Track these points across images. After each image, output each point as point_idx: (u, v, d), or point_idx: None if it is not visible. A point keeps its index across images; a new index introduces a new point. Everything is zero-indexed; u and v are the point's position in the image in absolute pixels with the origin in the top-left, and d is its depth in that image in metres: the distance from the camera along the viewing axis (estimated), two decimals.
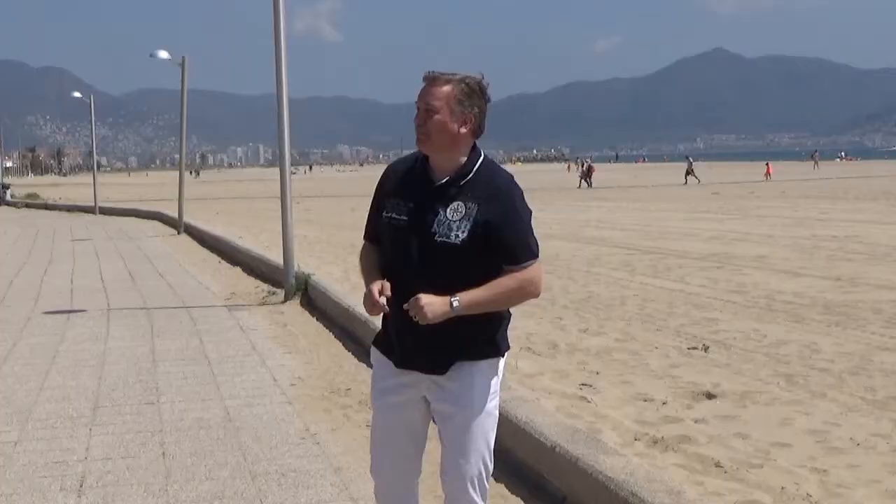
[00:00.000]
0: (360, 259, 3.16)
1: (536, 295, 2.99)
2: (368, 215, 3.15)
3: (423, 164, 3.00)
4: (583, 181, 50.91)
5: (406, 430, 3.10)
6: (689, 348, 7.36)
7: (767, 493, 4.09)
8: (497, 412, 3.07)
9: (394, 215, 2.96)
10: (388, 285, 2.88)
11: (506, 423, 4.90)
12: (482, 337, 2.99)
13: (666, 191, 42.74)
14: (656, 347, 7.44)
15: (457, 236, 2.84)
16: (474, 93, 2.93)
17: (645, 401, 5.76)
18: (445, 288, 2.84)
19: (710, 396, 5.84)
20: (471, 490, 3.03)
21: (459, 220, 2.85)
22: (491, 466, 3.07)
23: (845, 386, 6.08)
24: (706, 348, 7.30)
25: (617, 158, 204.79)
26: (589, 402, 5.70)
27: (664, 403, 5.69)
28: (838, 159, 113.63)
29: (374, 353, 3.16)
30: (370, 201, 3.13)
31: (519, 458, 4.73)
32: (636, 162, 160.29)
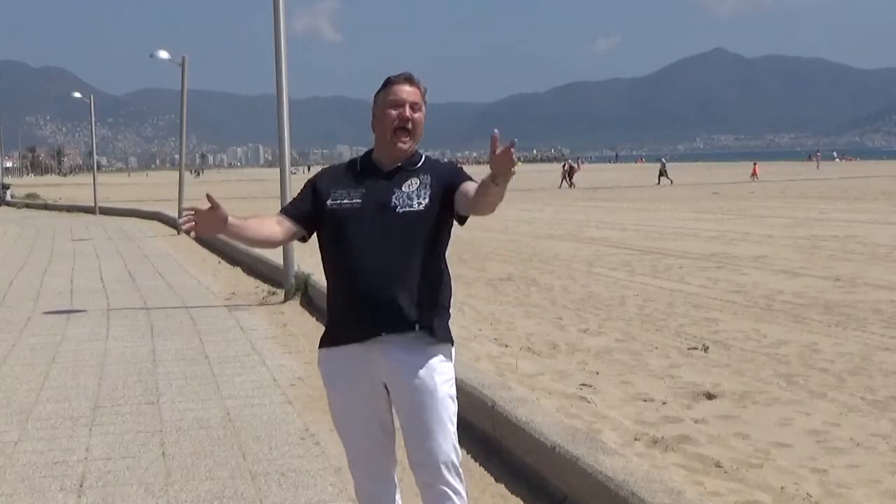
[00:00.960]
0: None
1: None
2: (295, 198, 3.24)
3: (366, 161, 3.19)
4: (564, 181, 50.78)
5: (377, 419, 3.14)
6: (689, 348, 7.36)
7: (767, 493, 4.09)
8: (456, 399, 3.15)
9: (344, 201, 3.10)
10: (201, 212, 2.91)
11: (506, 423, 4.92)
12: (437, 320, 3.11)
13: (665, 191, 42.74)
14: (656, 347, 7.44)
15: (419, 203, 3.06)
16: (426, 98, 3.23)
17: (645, 401, 5.76)
18: (406, 253, 3.02)
19: (710, 396, 5.84)
20: (447, 474, 3.06)
21: (417, 190, 3.08)
22: (460, 450, 3.13)
23: (845, 386, 6.08)
24: (706, 348, 7.30)
25: (617, 158, 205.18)
26: (589, 402, 5.70)
27: (664, 403, 5.69)
28: (837, 159, 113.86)
29: (328, 353, 3.16)
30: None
31: (519, 458, 4.73)
32: (636, 162, 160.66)
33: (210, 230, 2.96)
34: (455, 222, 3.19)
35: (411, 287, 3.03)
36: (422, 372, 3.05)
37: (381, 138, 3.12)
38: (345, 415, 3.19)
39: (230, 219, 2.98)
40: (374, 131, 3.16)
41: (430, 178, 3.11)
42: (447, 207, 3.10)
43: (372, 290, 3.02)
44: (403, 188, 3.08)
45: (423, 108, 3.16)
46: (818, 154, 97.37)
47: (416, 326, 3.04)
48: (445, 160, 3.21)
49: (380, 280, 3.00)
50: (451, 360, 3.16)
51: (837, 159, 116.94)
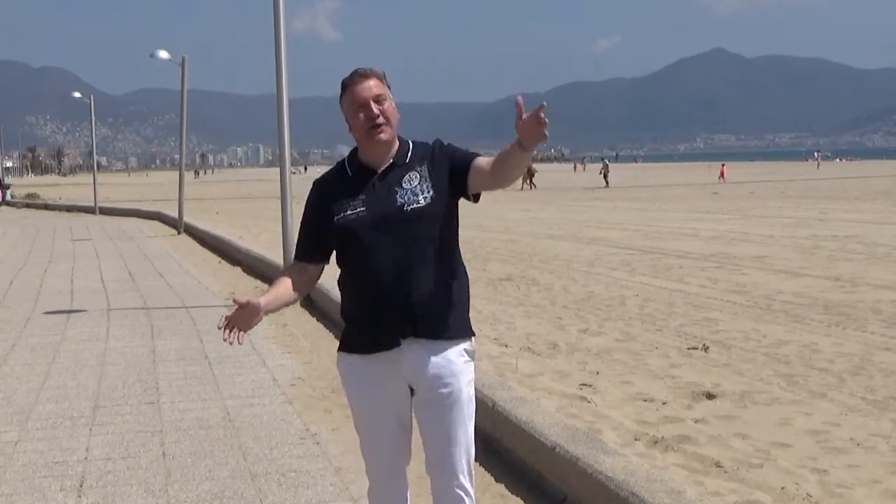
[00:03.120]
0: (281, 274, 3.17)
1: None
2: (301, 231, 3.16)
3: (354, 163, 3.10)
4: (525, 184, 49.94)
5: (396, 418, 3.12)
6: (689, 348, 7.36)
7: (767, 493, 4.09)
8: (474, 399, 3.13)
9: (349, 213, 3.02)
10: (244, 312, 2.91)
11: (506, 423, 4.92)
12: (458, 317, 3.08)
13: (663, 191, 42.75)
14: (656, 347, 7.44)
15: (425, 198, 2.98)
16: (387, 82, 3.10)
17: (645, 401, 5.76)
18: (421, 253, 2.97)
19: (710, 396, 5.84)
20: (462, 477, 3.06)
21: (419, 184, 3.00)
22: (473, 452, 3.12)
23: (845, 386, 6.08)
24: (706, 348, 7.30)
25: (617, 158, 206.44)
26: (589, 402, 5.70)
27: (664, 403, 5.69)
28: (839, 160, 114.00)
29: (348, 358, 3.14)
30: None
31: (519, 458, 4.73)
32: (635, 161, 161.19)
33: (250, 324, 2.95)
34: (469, 201, 3.11)
35: (430, 289, 2.99)
36: (446, 375, 3.02)
37: (361, 140, 3.05)
38: (365, 414, 3.14)
39: (263, 302, 2.96)
40: (352, 135, 3.08)
41: (426, 169, 3.04)
42: (455, 193, 3.04)
43: (392, 301, 2.98)
44: (405, 185, 3.00)
45: (390, 93, 3.04)
46: (819, 154, 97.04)
47: (439, 331, 3.02)
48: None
49: (399, 288, 2.96)
50: (472, 357, 3.13)
51: (838, 160, 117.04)
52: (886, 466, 4.49)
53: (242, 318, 2.94)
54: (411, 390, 3.09)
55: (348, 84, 3.03)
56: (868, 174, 57.07)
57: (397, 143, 3.09)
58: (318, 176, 3.29)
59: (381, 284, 2.96)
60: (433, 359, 3.03)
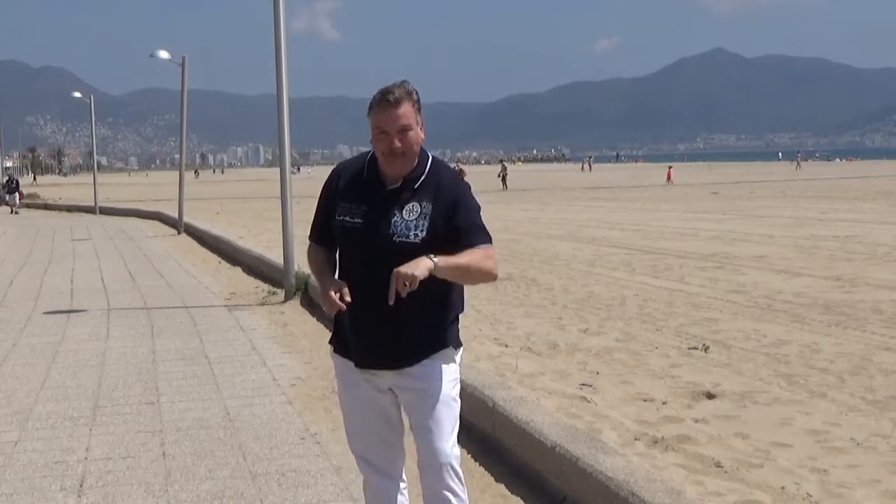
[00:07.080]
0: (309, 259, 3.25)
1: (495, 276, 3.04)
2: (316, 217, 3.22)
3: (373, 167, 3.07)
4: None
5: (382, 418, 3.17)
6: (689, 348, 7.36)
7: (767, 493, 4.09)
8: (459, 399, 3.17)
9: (347, 218, 3.04)
10: (345, 288, 2.95)
11: (506, 424, 4.92)
12: (440, 331, 3.09)
13: (664, 191, 42.73)
14: (656, 347, 7.44)
15: (416, 235, 2.94)
16: (419, 99, 3.02)
17: (645, 401, 5.76)
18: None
19: (710, 396, 5.84)
20: (447, 476, 3.09)
21: (416, 219, 2.96)
22: (458, 451, 3.14)
23: (845, 386, 6.08)
24: (706, 348, 7.30)
25: (618, 158, 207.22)
26: (589, 402, 5.70)
27: (664, 403, 5.69)
28: (839, 160, 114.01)
29: (334, 356, 3.26)
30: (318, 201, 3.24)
31: (519, 458, 4.73)
32: (635, 162, 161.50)
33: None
34: None
35: (409, 320, 2.98)
36: (426, 378, 3.07)
37: (378, 157, 3.03)
38: (350, 408, 3.24)
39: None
40: (372, 145, 3.06)
41: (430, 206, 2.96)
42: (449, 242, 2.93)
43: (368, 325, 3.02)
44: (404, 213, 2.96)
45: (418, 118, 2.97)
46: (799, 156, 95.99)
47: (411, 363, 3.04)
48: (448, 162, 3.10)
49: (375, 314, 2.96)
50: (454, 361, 3.15)
51: (839, 160, 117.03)
52: (886, 466, 4.49)
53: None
54: (394, 392, 3.15)
55: (374, 108, 2.95)
56: (868, 174, 57.03)
57: (416, 161, 3.02)
58: (314, 175, 3.30)
59: (359, 306, 2.97)
60: (412, 372, 3.08)
